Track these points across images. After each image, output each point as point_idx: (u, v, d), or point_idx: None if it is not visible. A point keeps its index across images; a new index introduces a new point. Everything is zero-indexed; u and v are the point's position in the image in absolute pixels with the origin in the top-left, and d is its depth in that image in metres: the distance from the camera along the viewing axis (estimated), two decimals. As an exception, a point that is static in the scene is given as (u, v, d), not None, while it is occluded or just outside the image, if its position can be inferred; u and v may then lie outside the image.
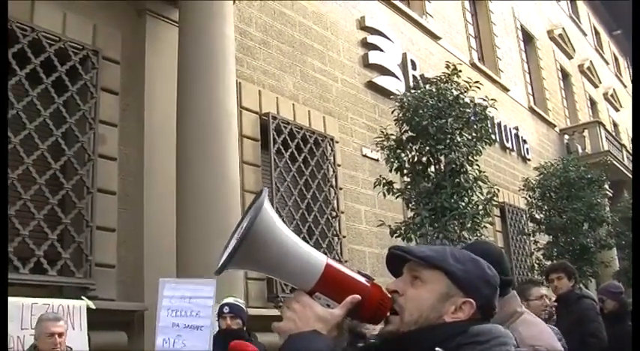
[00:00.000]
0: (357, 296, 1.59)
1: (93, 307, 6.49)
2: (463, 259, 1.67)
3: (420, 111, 9.48)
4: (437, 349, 1.51)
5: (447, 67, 10.13)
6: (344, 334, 1.63)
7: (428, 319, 1.61)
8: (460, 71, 10.08)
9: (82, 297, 6.68)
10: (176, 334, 6.28)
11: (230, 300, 6.11)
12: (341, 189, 11.60)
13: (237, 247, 1.54)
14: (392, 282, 1.71)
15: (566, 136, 24.61)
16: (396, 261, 1.74)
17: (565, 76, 27.27)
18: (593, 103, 30.26)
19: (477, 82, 10.04)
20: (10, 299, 5.80)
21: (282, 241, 1.61)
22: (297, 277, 1.64)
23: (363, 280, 1.65)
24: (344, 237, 11.35)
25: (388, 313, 1.64)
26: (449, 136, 9.45)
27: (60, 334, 5.36)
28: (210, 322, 6.25)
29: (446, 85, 9.84)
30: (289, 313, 1.60)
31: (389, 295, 1.65)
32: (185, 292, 6.52)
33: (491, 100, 10.30)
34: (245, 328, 6.00)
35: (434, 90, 9.81)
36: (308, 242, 8.34)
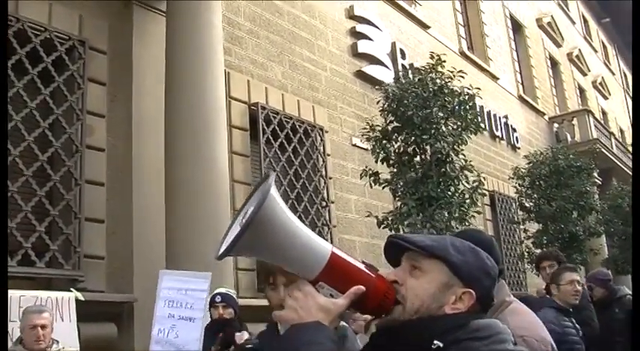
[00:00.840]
0: (362, 287, 1.56)
1: (82, 298, 6.47)
2: (463, 249, 1.66)
3: (405, 101, 9.47)
4: (435, 342, 1.50)
5: (432, 57, 10.11)
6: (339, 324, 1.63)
7: (429, 309, 1.59)
8: (444, 61, 10.06)
9: (71, 289, 6.65)
10: (171, 324, 6.37)
11: (222, 290, 6.12)
12: (331, 178, 11.60)
13: (241, 233, 1.49)
14: (391, 272, 1.69)
15: (556, 125, 24.65)
16: (394, 250, 1.71)
17: (554, 64, 27.29)
18: (582, 91, 30.31)
19: (460, 71, 10.02)
20: (-3, 292, 5.81)
21: (288, 227, 1.57)
22: (301, 265, 1.59)
23: (368, 270, 1.62)
24: (334, 226, 11.36)
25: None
26: (434, 125, 9.45)
27: (43, 326, 5.32)
28: (203, 314, 6.28)
29: (430, 75, 9.82)
30: (291, 302, 1.57)
31: (392, 285, 1.63)
32: (181, 284, 6.60)
33: (476, 88, 10.30)
34: (238, 318, 6.00)
35: (417, 80, 9.80)
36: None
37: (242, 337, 3.40)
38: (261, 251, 1.62)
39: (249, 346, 3.09)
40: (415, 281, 1.62)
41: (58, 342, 5.54)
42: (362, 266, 1.63)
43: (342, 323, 2.59)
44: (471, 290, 1.60)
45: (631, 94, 36.16)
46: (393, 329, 1.61)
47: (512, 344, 1.56)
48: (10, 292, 5.89)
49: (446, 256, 1.62)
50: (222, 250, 1.57)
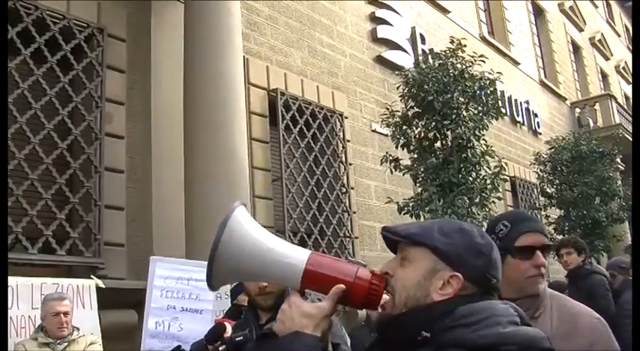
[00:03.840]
0: (341, 285, 1.59)
1: (102, 286, 6.47)
2: (450, 231, 1.62)
3: (425, 86, 9.42)
4: (423, 333, 1.50)
5: (452, 42, 10.03)
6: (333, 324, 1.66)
7: (416, 299, 1.58)
8: (465, 46, 9.97)
9: (92, 276, 6.66)
10: (172, 316, 6.14)
11: None
12: (351, 164, 11.56)
13: (210, 264, 1.62)
14: (384, 264, 1.70)
15: (578, 110, 24.45)
16: (391, 242, 1.72)
17: (576, 48, 27.03)
18: (604, 76, 30.03)
19: (481, 55, 9.93)
20: (20, 279, 5.85)
21: (258, 247, 1.65)
22: (282, 278, 1.68)
23: (350, 268, 1.64)
24: (354, 213, 11.33)
25: (384, 296, 1.63)
26: (455, 110, 9.39)
27: (65, 313, 5.37)
28: (213, 306, 6.14)
29: (451, 59, 9.74)
30: (280, 315, 1.64)
31: (384, 278, 1.64)
32: (182, 273, 6.37)
33: (497, 73, 10.21)
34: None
35: (437, 65, 9.72)
36: (317, 219, 8.31)
37: (228, 329, 3.35)
38: (240, 275, 1.76)
39: (239, 338, 3.05)
40: (403, 271, 1.62)
41: (78, 329, 5.57)
42: (343, 265, 1.67)
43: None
44: (457, 273, 1.56)
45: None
46: (386, 323, 1.63)
47: (514, 324, 1.51)
48: (31, 280, 5.95)
49: (428, 241, 1.60)
50: (207, 282, 1.67)
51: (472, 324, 1.48)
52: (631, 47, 35.43)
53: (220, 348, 3.24)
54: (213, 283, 1.67)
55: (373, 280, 1.61)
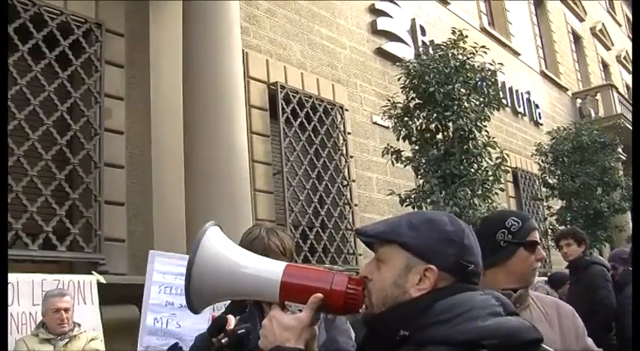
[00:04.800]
0: (318, 295, 1.60)
1: (103, 281, 6.46)
2: (418, 223, 1.60)
3: (427, 77, 9.39)
4: (401, 332, 1.48)
5: (453, 32, 10.00)
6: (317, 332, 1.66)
7: (394, 298, 1.55)
8: (466, 37, 9.94)
9: (93, 272, 6.66)
10: (170, 313, 6.04)
11: None
12: (352, 157, 11.54)
13: (187, 288, 1.66)
14: (363, 268, 1.73)
15: (579, 100, 24.40)
16: (367, 244, 1.70)
17: (577, 39, 26.97)
18: (605, 66, 29.96)
19: (482, 46, 9.91)
20: (21, 276, 5.84)
21: (230, 268, 1.68)
22: (260, 293, 1.71)
23: (326, 276, 1.64)
24: (355, 205, 11.31)
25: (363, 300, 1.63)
26: (456, 102, 9.37)
27: (66, 309, 5.37)
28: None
29: (452, 50, 9.71)
30: (262, 330, 1.64)
31: (362, 282, 1.63)
32: (181, 268, 6.21)
33: (498, 64, 10.18)
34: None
35: (438, 56, 9.69)
36: (319, 212, 8.28)
37: (230, 321, 3.32)
38: (219, 295, 1.78)
39: (241, 331, 3.03)
40: (378, 273, 1.60)
41: (80, 325, 5.57)
42: (320, 274, 1.66)
43: None
44: (430, 266, 1.52)
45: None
46: (367, 322, 1.62)
47: (497, 316, 1.46)
48: (32, 276, 5.94)
49: (396, 238, 1.58)
50: (188, 306, 1.71)
51: (450, 319, 1.44)
52: (632, 36, 35.39)
53: (223, 340, 3.22)
54: (194, 306, 1.70)
55: (350, 285, 1.61)
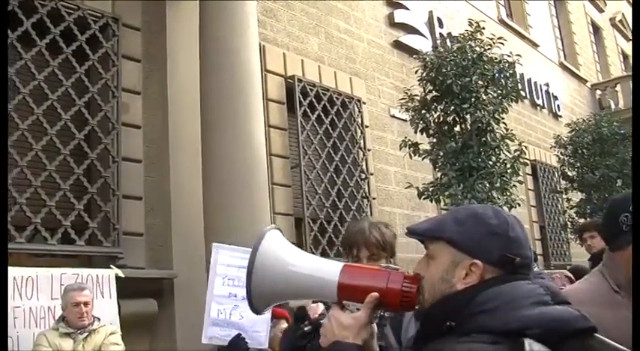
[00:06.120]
0: (375, 294, 1.63)
1: (122, 275, 6.49)
2: (463, 218, 1.62)
3: (444, 70, 9.36)
4: (448, 323, 1.50)
5: (470, 24, 9.94)
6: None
7: (441, 292, 1.58)
8: (483, 28, 9.87)
9: (111, 266, 6.68)
10: (233, 304, 5.97)
11: None
12: (369, 150, 11.51)
13: (249, 292, 1.71)
14: (415, 265, 1.72)
15: (598, 92, 24.21)
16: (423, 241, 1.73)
17: (596, 29, 26.77)
18: (625, 57, 29.69)
19: (500, 38, 9.84)
20: (40, 270, 5.88)
21: (288, 271, 1.73)
22: (319, 293, 1.77)
23: (382, 274, 1.68)
24: (373, 199, 11.29)
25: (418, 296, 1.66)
26: (474, 94, 9.33)
27: (86, 304, 5.39)
28: None
29: (469, 42, 9.66)
30: (321, 330, 1.71)
31: (417, 279, 1.66)
32: (243, 261, 6.26)
33: (516, 55, 10.11)
34: None
35: (456, 48, 9.65)
36: (337, 206, 8.26)
37: (316, 310, 3.34)
38: (279, 297, 1.82)
39: (323, 321, 3.05)
40: (428, 270, 1.64)
41: (99, 319, 5.58)
42: (375, 272, 1.71)
43: None
44: (475, 261, 1.55)
45: None
46: (420, 318, 1.67)
47: (543, 305, 1.46)
48: (51, 270, 5.98)
49: (443, 235, 1.62)
50: (250, 308, 1.78)
51: (494, 309, 1.46)
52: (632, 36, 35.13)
53: (305, 328, 3.29)
54: (256, 308, 1.77)
55: (405, 283, 1.65)
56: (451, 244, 1.59)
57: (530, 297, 1.48)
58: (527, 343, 1.38)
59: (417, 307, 1.66)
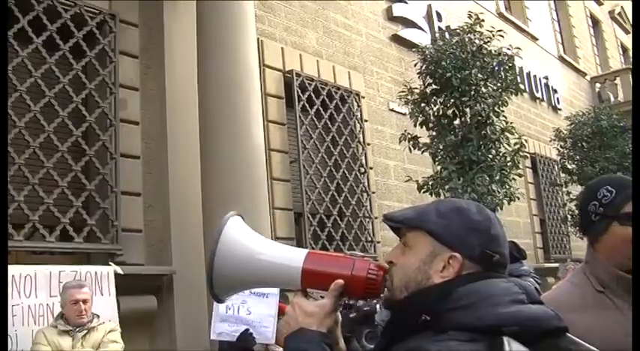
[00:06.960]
0: (339, 281, 1.61)
1: (121, 272, 6.48)
2: (447, 211, 1.61)
3: (443, 63, 9.34)
4: (423, 317, 1.48)
5: (470, 16, 9.92)
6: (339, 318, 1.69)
7: (417, 283, 1.57)
8: (483, 21, 9.85)
9: (110, 263, 6.68)
10: (241, 300, 5.97)
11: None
12: (369, 144, 11.49)
13: (210, 277, 1.68)
14: (388, 252, 1.71)
15: (598, 85, 24.17)
16: (394, 229, 1.73)
17: (595, 22, 26.71)
18: (625, 50, 29.63)
19: (499, 30, 9.83)
20: (38, 267, 5.87)
21: (251, 257, 1.70)
22: (283, 281, 1.74)
23: (347, 262, 1.66)
24: (373, 193, 11.27)
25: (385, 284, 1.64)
26: (473, 87, 9.32)
27: (85, 301, 5.36)
28: (278, 289, 6.06)
29: (468, 35, 9.64)
30: (285, 317, 1.67)
31: (384, 267, 1.64)
32: None
33: (516, 48, 10.09)
34: None
35: (455, 41, 9.63)
36: (336, 200, 8.24)
37: None
38: (241, 284, 1.81)
39: (367, 308, 3.10)
40: (403, 258, 1.62)
41: (98, 316, 5.56)
42: (340, 260, 1.68)
43: None
44: (455, 254, 1.54)
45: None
46: (390, 307, 1.64)
47: (519, 303, 1.45)
48: (50, 268, 5.97)
49: (424, 225, 1.60)
50: (210, 294, 1.74)
51: (470, 306, 1.44)
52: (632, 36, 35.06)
53: (351, 315, 3.34)
54: (217, 294, 1.73)
55: (370, 270, 1.62)
56: (432, 235, 1.58)
57: (507, 295, 1.46)
58: (507, 341, 1.37)
59: (382, 295, 1.65)
